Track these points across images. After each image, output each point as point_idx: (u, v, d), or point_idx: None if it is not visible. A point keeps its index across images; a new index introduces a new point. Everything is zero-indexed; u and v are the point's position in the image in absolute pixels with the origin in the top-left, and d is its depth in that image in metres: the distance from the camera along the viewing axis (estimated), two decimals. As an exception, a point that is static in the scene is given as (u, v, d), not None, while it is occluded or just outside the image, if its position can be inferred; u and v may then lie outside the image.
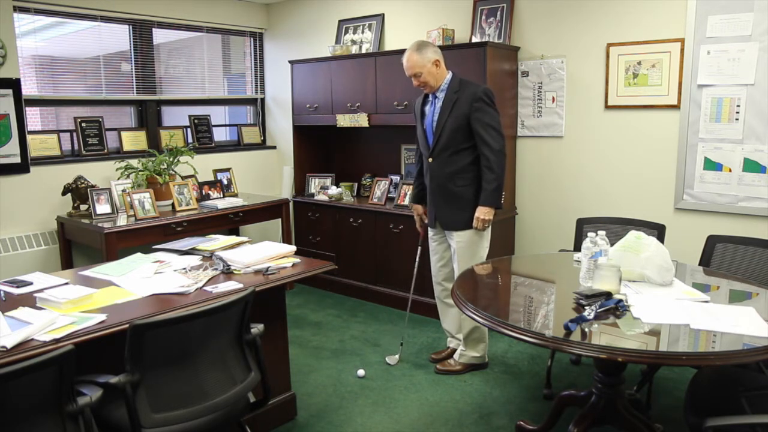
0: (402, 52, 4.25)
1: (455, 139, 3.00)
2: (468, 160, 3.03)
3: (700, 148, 3.36)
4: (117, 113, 4.63)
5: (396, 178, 4.47)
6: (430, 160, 3.09)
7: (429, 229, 3.29)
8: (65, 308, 1.97)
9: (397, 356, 3.37)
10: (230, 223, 4.28)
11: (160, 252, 2.80)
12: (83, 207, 3.91)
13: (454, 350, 3.34)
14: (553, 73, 3.83)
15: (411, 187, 3.58)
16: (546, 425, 2.51)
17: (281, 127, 5.44)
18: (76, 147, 4.26)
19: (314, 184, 4.91)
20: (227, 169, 4.81)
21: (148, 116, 4.70)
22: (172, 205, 4.08)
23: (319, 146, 5.03)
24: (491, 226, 3.11)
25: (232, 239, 2.92)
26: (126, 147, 4.48)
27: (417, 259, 3.50)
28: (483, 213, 2.99)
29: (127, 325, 1.72)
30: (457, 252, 3.09)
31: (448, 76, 3.05)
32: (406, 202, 4.12)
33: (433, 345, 3.58)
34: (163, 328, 1.75)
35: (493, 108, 2.99)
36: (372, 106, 4.28)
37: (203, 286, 2.28)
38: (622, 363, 2.22)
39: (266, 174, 5.47)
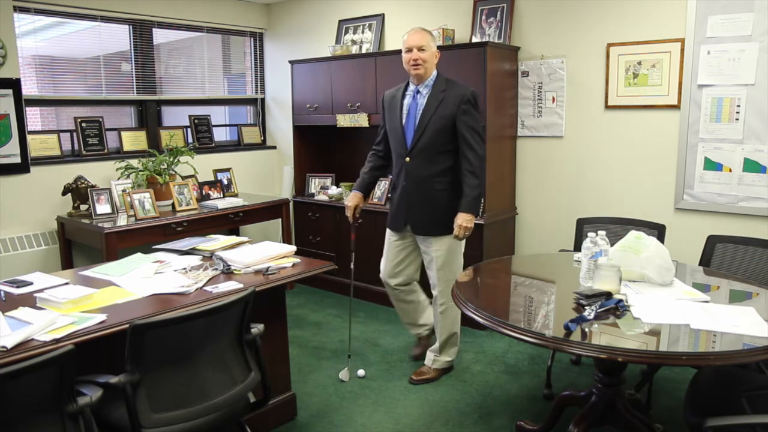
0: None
1: (438, 139, 2.88)
2: (448, 164, 2.92)
3: (700, 148, 3.36)
4: (117, 113, 4.63)
5: (396, 178, 4.47)
6: (408, 159, 2.94)
7: (391, 232, 3.13)
8: (65, 308, 1.97)
9: (346, 369, 3.18)
10: (230, 223, 4.28)
11: (160, 252, 2.80)
12: (83, 207, 3.91)
13: (425, 336, 3.31)
14: (553, 73, 3.83)
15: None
16: (546, 425, 2.51)
17: (281, 127, 5.44)
18: (76, 147, 4.26)
19: (314, 184, 4.91)
20: (227, 169, 4.81)
21: (148, 116, 4.70)
22: (172, 205, 4.08)
23: (319, 146, 5.03)
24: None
25: (232, 239, 2.92)
26: (126, 147, 4.48)
27: (354, 251, 3.29)
28: (465, 220, 2.83)
29: (127, 325, 1.72)
30: (436, 260, 2.97)
31: (434, 72, 2.96)
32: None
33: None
34: (163, 328, 1.75)
35: (478, 112, 2.94)
36: (372, 106, 4.28)
37: (203, 286, 2.28)
38: (622, 363, 2.23)
39: (266, 174, 5.47)
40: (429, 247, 3.00)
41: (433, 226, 2.95)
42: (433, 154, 2.91)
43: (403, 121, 2.97)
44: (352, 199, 3.13)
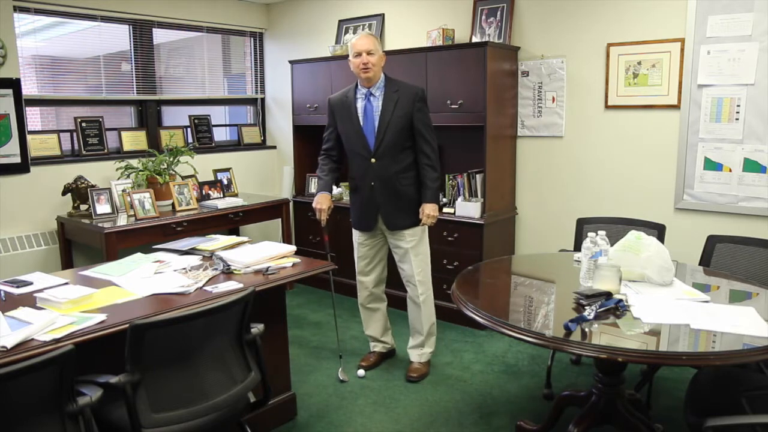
0: (402, 52, 4.23)
1: (399, 138, 2.97)
2: (410, 160, 3.03)
3: (700, 148, 3.36)
4: (117, 113, 4.62)
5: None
6: (374, 160, 3.00)
7: (359, 233, 3.17)
8: (65, 308, 1.97)
9: (341, 369, 3.21)
10: (230, 223, 4.28)
11: (160, 252, 2.80)
12: (83, 207, 3.91)
13: (381, 353, 3.37)
14: (553, 73, 3.83)
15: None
16: (546, 425, 2.51)
17: (281, 127, 5.44)
18: (76, 147, 4.26)
19: (314, 184, 4.90)
20: (227, 169, 4.81)
21: (148, 116, 4.70)
22: (172, 205, 4.08)
23: (319, 146, 4.99)
24: None
25: (232, 239, 2.93)
26: (126, 147, 4.48)
27: (329, 252, 3.31)
28: (432, 209, 2.99)
29: (127, 325, 1.72)
30: (411, 251, 3.07)
31: (382, 75, 3.02)
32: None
33: (436, 347, 3.56)
34: (163, 328, 1.75)
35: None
36: (372, 106, 4.27)
37: (203, 286, 2.28)
38: (622, 363, 2.22)
39: (266, 174, 5.47)
40: (401, 240, 3.08)
41: (404, 219, 3.05)
42: (396, 152, 3.00)
43: (362, 123, 3.02)
44: (323, 201, 3.11)
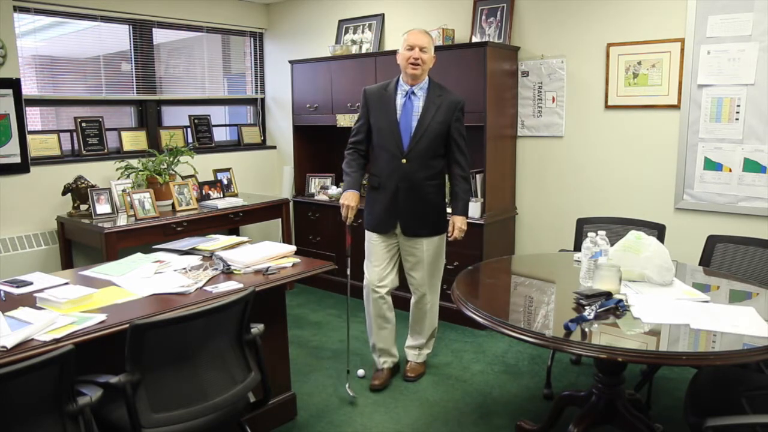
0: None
1: (434, 143, 2.89)
2: (439, 168, 2.97)
3: (700, 148, 3.36)
4: (117, 113, 4.63)
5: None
6: (405, 161, 2.88)
7: (376, 234, 3.02)
8: (65, 308, 1.97)
9: (347, 385, 3.00)
10: (230, 223, 4.28)
11: (160, 252, 2.80)
12: (83, 207, 3.90)
13: (390, 369, 3.16)
14: (553, 73, 3.83)
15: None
16: (546, 425, 2.51)
17: (281, 127, 5.44)
18: (76, 147, 4.26)
19: (314, 184, 4.91)
20: (227, 169, 4.81)
21: (148, 116, 4.70)
22: (172, 205, 4.08)
23: (319, 146, 5.03)
24: None
25: (232, 239, 2.93)
26: (126, 147, 4.48)
27: (349, 255, 3.07)
28: (463, 223, 2.93)
29: (127, 325, 1.72)
30: (426, 260, 2.99)
31: (427, 77, 2.94)
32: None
33: (436, 348, 3.56)
34: (163, 328, 1.75)
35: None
36: (372, 106, 4.27)
37: (203, 286, 2.28)
38: (622, 363, 2.22)
39: (266, 174, 5.47)
40: (417, 248, 3.00)
41: (424, 227, 2.98)
42: (428, 157, 2.92)
43: (399, 120, 2.91)
44: (352, 198, 2.91)
